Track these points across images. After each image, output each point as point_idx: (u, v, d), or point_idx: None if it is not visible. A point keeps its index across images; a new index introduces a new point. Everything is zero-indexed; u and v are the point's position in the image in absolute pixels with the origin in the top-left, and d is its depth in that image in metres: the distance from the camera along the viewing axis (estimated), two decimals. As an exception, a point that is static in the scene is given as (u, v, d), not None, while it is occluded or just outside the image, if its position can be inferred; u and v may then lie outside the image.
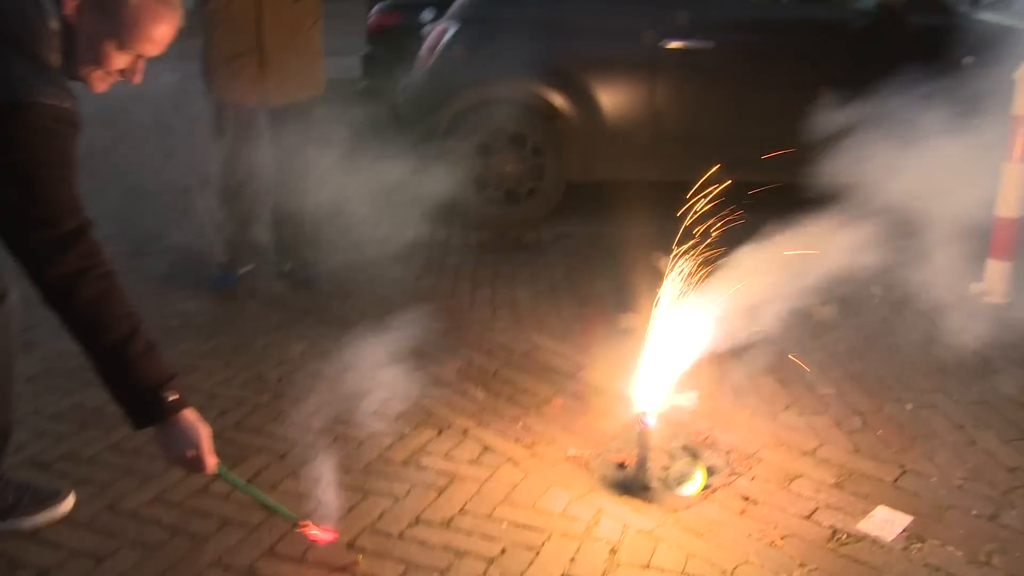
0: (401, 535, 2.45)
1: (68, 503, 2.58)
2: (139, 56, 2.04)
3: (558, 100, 5.24)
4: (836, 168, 5.28)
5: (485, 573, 2.29)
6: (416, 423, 3.07)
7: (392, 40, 8.22)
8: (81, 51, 2.00)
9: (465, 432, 3.01)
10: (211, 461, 2.15)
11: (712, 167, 4.96)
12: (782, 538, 2.43)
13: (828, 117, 5.06)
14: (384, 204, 6.01)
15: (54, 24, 1.95)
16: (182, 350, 3.65)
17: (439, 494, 2.66)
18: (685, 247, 2.90)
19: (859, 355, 3.54)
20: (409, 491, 2.67)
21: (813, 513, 2.55)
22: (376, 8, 8.72)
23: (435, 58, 5.46)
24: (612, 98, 5.27)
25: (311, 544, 2.36)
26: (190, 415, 2.12)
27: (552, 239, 5.18)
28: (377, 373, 3.42)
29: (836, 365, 3.46)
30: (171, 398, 2.07)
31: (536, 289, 4.38)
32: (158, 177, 6.92)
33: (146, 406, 2.08)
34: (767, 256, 3.53)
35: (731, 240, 3.11)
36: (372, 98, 9.08)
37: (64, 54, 1.99)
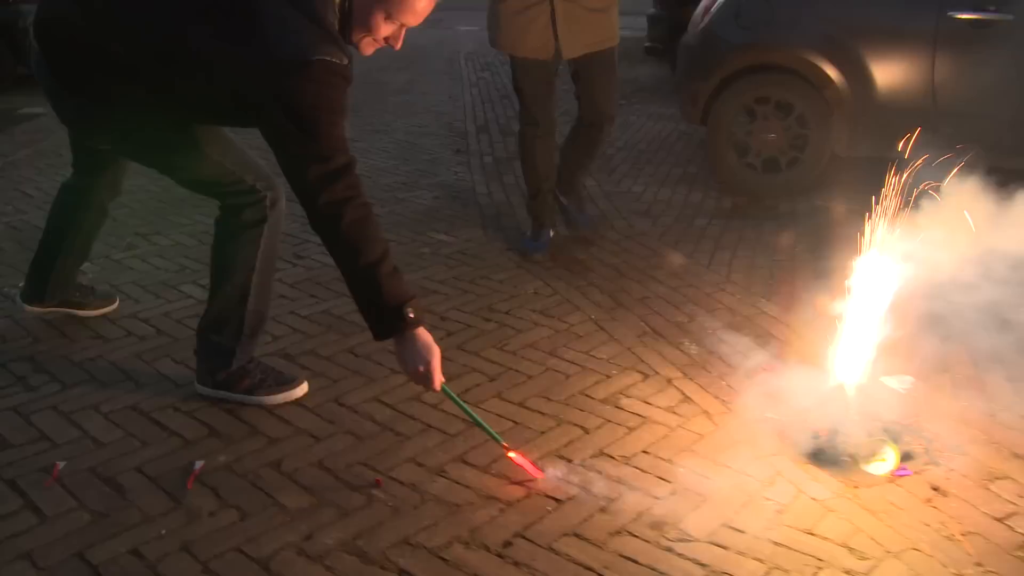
0: (582, 464, 2.60)
1: (302, 389, 2.94)
2: (402, 25, 2.40)
3: (830, 69, 5.08)
4: None
5: (649, 509, 2.39)
6: (624, 367, 3.19)
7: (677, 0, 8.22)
8: (355, 19, 2.36)
9: (669, 381, 3.10)
10: (438, 379, 2.42)
11: (997, 152, 4.67)
12: (963, 534, 2.33)
13: None
14: (647, 160, 6.13)
15: None
16: (426, 275, 3.97)
17: (628, 433, 2.77)
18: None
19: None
20: (601, 426, 2.81)
21: (1008, 517, 2.41)
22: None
23: (709, 19, 5.46)
24: (889, 71, 5.03)
25: (503, 460, 2.56)
26: (425, 334, 2.41)
27: (807, 211, 5.06)
28: (599, 317, 3.58)
29: (1083, 371, 3.21)
30: (410, 315, 2.37)
31: (776, 258, 4.33)
32: (440, 119, 7.37)
33: (388, 320, 2.40)
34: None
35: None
36: (656, 57, 9.17)
37: (341, 21, 2.35)
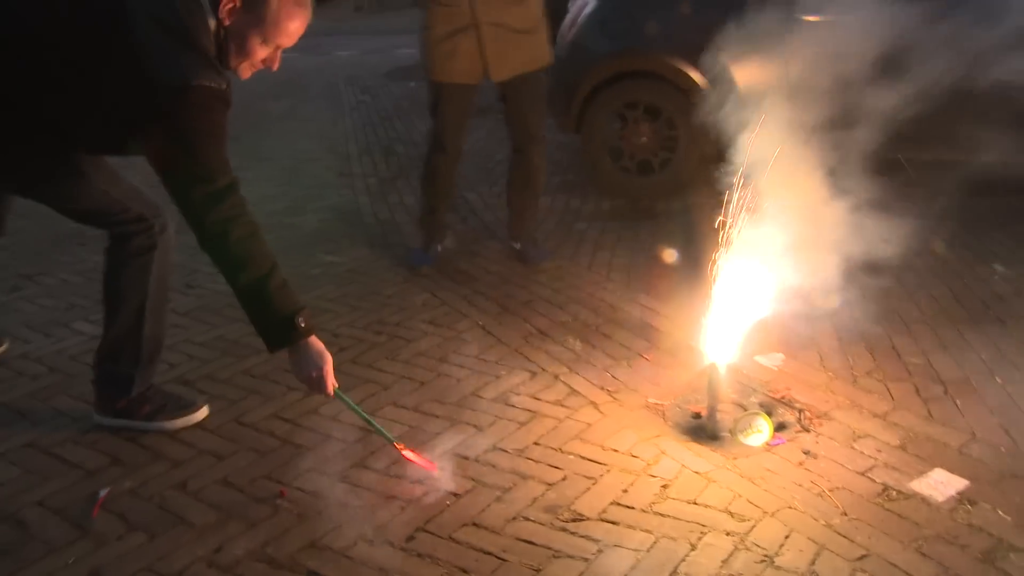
0: (476, 459, 2.73)
1: (202, 413, 3.00)
2: (277, 47, 2.50)
3: (693, 73, 5.34)
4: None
5: (543, 495, 2.54)
6: (513, 367, 3.34)
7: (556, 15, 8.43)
8: (232, 45, 2.45)
9: (556, 377, 3.26)
10: (331, 383, 2.53)
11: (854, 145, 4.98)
12: (831, 490, 2.54)
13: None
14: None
15: (212, 22, 2.39)
16: (317, 295, 4.05)
17: (519, 427, 2.92)
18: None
19: (961, 329, 3.54)
20: (492, 423, 2.95)
21: (869, 470, 2.64)
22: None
23: (576, 30, 5.68)
24: (748, 72, 5.31)
25: (401, 461, 2.67)
26: (317, 342, 2.53)
27: (681, 210, 5.30)
28: (485, 323, 3.72)
29: (932, 335, 3.49)
30: (301, 324, 2.48)
31: (653, 255, 4.54)
32: (323, 143, 7.43)
33: (280, 331, 2.49)
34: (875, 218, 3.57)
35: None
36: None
37: (217, 47, 2.43)
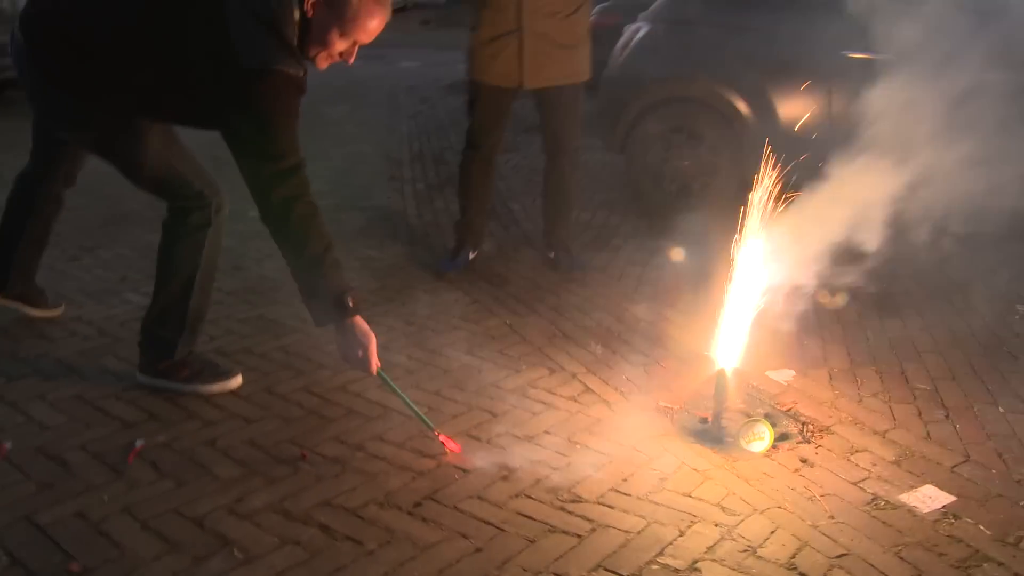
0: (490, 441, 2.90)
1: (236, 381, 3.20)
2: (355, 43, 2.68)
3: (738, 102, 5.48)
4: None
5: (547, 477, 2.69)
6: (533, 363, 3.50)
7: (611, 39, 8.65)
8: (312, 36, 2.63)
9: (574, 375, 3.41)
10: (374, 363, 2.71)
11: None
12: (822, 495, 2.66)
13: None
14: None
15: (296, 13, 2.58)
16: (355, 286, 4.22)
17: (532, 416, 3.08)
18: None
19: (974, 359, 3.64)
20: (508, 411, 3.11)
21: (862, 481, 2.76)
22: (598, 8, 9.19)
23: (628, 53, 5.85)
24: (791, 104, 5.44)
25: (416, 438, 2.85)
26: (363, 323, 2.70)
27: (717, 233, 5.40)
28: (513, 322, 3.89)
29: (942, 364, 3.58)
30: (350, 304, 2.66)
31: (683, 273, 4.67)
32: (376, 147, 7.66)
33: (329, 308, 2.67)
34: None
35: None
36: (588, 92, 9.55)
37: (299, 37, 2.62)
